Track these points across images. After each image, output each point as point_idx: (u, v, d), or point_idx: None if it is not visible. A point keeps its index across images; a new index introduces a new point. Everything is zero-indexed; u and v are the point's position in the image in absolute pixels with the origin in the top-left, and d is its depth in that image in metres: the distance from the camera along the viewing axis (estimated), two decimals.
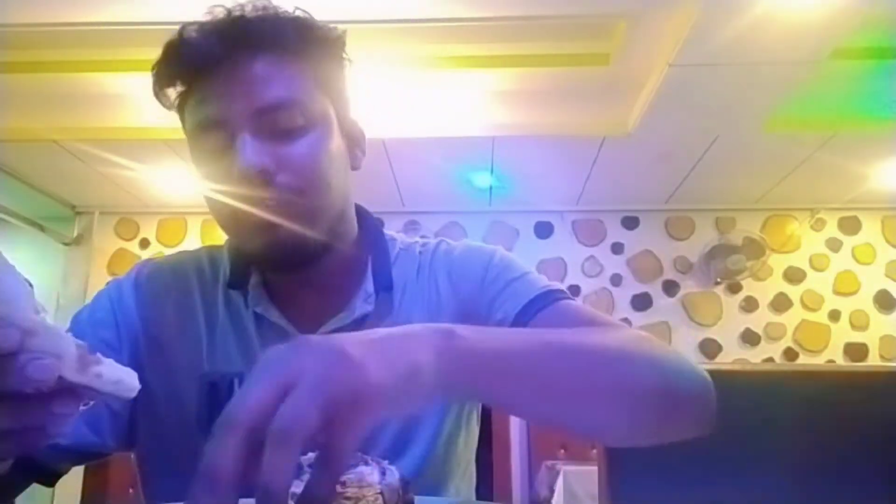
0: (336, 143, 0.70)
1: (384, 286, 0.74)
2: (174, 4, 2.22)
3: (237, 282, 0.73)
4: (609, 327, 0.63)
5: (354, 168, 0.75)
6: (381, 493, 0.40)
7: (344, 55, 0.73)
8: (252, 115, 0.64)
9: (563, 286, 0.74)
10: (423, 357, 0.41)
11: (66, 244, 3.99)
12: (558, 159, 3.40)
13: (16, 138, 3.11)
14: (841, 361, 3.85)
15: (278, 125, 0.64)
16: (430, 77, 2.65)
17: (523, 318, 0.68)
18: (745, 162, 3.39)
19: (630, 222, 4.10)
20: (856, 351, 3.88)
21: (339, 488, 0.39)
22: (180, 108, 0.70)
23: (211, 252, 0.79)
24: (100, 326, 0.71)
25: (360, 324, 0.71)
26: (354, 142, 0.75)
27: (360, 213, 0.79)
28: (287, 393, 0.34)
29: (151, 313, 0.73)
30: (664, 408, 0.56)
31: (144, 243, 4.06)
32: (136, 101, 2.83)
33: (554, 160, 3.41)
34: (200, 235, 3.99)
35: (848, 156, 3.24)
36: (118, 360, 0.69)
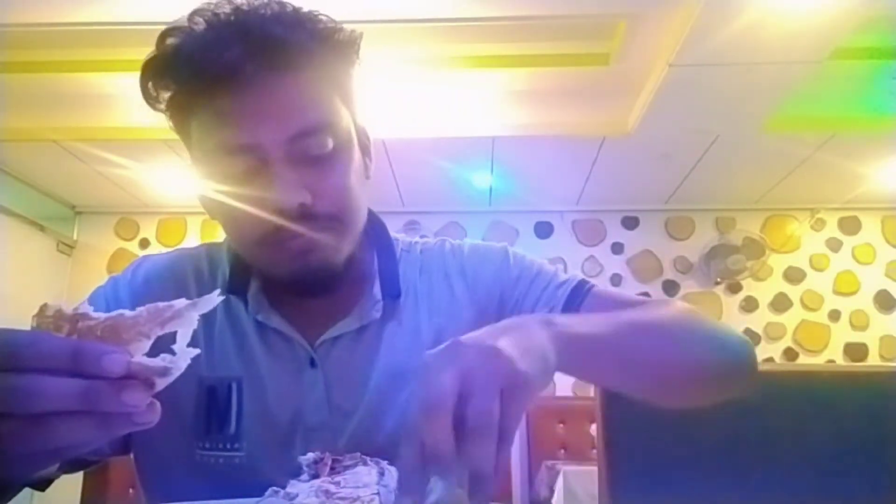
0: (357, 158, 0.68)
1: (392, 293, 0.73)
2: (174, 4, 2.22)
3: (237, 288, 0.71)
4: (661, 304, 0.70)
5: (367, 178, 0.73)
6: (378, 493, 0.40)
7: (356, 56, 0.69)
8: (285, 141, 0.60)
9: (579, 276, 0.78)
10: (544, 344, 0.47)
11: (65, 244, 3.99)
12: (558, 159, 3.40)
13: (16, 138, 3.11)
14: (841, 361, 3.85)
15: (310, 150, 0.62)
16: (430, 77, 2.65)
17: (570, 307, 0.72)
18: (745, 162, 3.39)
19: (630, 222, 4.10)
20: (856, 351, 3.88)
21: (332, 489, 0.39)
22: (181, 115, 0.64)
23: (210, 251, 0.77)
24: None
25: (365, 330, 0.71)
26: (365, 150, 0.73)
27: (370, 220, 0.77)
28: (462, 389, 0.39)
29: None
30: (721, 372, 0.66)
31: (144, 243, 4.06)
32: (136, 101, 2.80)
33: (554, 160, 3.41)
34: (200, 235, 3.99)
35: (848, 156, 3.24)
36: None
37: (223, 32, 0.59)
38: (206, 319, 0.70)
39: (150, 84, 0.63)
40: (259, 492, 0.65)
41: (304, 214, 0.61)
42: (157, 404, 0.38)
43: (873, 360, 3.84)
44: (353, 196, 0.66)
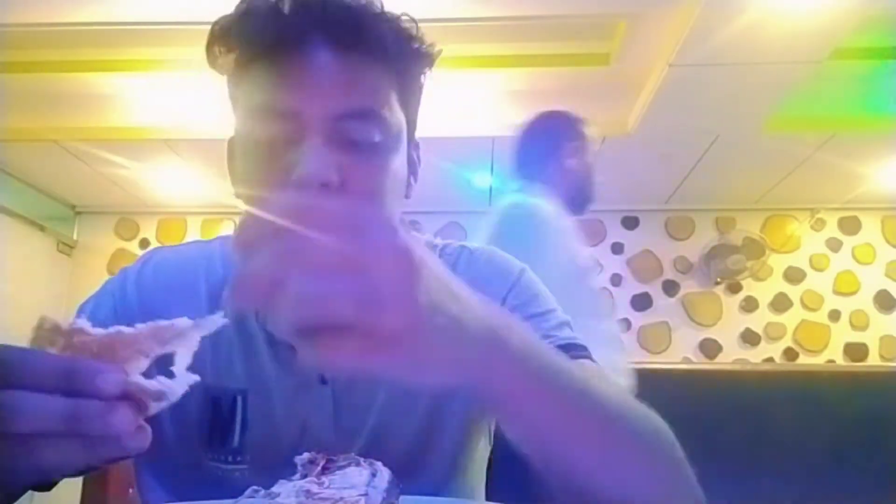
0: (401, 167, 0.64)
1: None
2: (174, 4, 2.22)
3: None
4: (648, 412, 0.57)
5: (406, 197, 0.68)
6: (366, 494, 0.39)
7: (428, 74, 0.67)
8: (329, 118, 0.57)
9: (583, 341, 0.68)
10: (502, 340, 0.40)
11: (65, 244, 3.99)
12: None
13: (16, 138, 3.12)
14: (841, 361, 3.85)
15: (352, 135, 0.58)
16: (430, 77, 2.65)
17: None
18: (745, 162, 3.39)
19: (630, 222, 4.10)
20: (856, 351, 3.88)
21: (315, 489, 0.38)
22: (237, 76, 0.61)
23: (221, 251, 0.73)
24: (101, 324, 0.68)
25: None
26: (413, 168, 0.69)
27: None
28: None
29: (153, 307, 0.67)
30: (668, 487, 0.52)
31: (144, 243, 4.06)
32: (136, 101, 2.83)
33: None
34: (201, 235, 3.99)
35: (848, 156, 3.24)
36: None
37: (302, 5, 0.57)
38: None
39: (216, 44, 0.60)
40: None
41: (324, 199, 0.58)
42: (148, 430, 0.37)
43: (873, 360, 3.84)
44: (383, 198, 0.60)
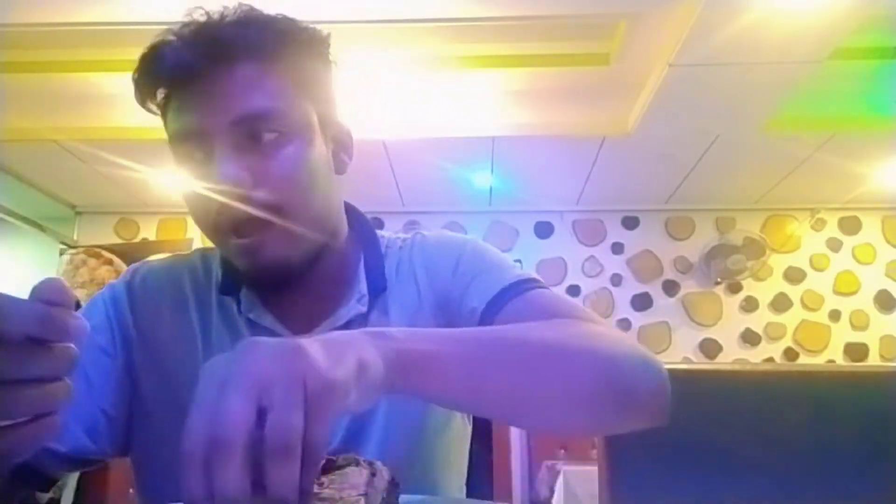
0: (318, 151, 0.68)
1: (378, 287, 0.73)
2: (174, 4, 2.22)
3: (229, 288, 0.72)
4: (565, 321, 0.62)
5: (339, 173, 0.73)
6: (365, 494, 0.39)
7: (330, 56, 0.71)
8: (229, 125, 0.62)
9: (536, 275, 0.72)
10: (367, 355, 0.43)
11: (65, 244, 3.99)
12: (558, 159, 3.40)
13: (16, 138, 3.12)
14: (841, 361, 3.85)
15: (257, 136, 0.63)
16: (430, 77, 2.65)
17: (492, 309, 0.67)
18: (745, 162, 3.39)
19: (630, 222, 4.10)
20: (856, 351, 3.88)
21: (315, 489, 0.38)
22: (163, 114, 0.69)
23: (204, 255, 0.78)
24: (95, 332, 0.69)
25: (353, 324, 0.71)
26: (341, 146, 0.73)
27: (351, 212, 0.78)
28: (261, 399, 0.34)
29: (146, 316, 0.72)
30: (607, 401, 0.56)
31: (144, 243, 4.06)
32: (136, 100, 2.83)
33: (554, 160, 3.41)
34: (200, 235, 3.98)
35: (848, 156, 3.24)
36: (114, 366, 0.68)
37: (185, 37, 0.63)
38: (203, 321, 0.71)
39: (136, 90, 0.67)
40: None
41: (244, 198, 0.62)
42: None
43: (873, 360, 3.84)
44: (300, 187, 0.65)
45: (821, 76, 2.54)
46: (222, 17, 0.65)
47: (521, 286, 0.68)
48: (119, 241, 4.05)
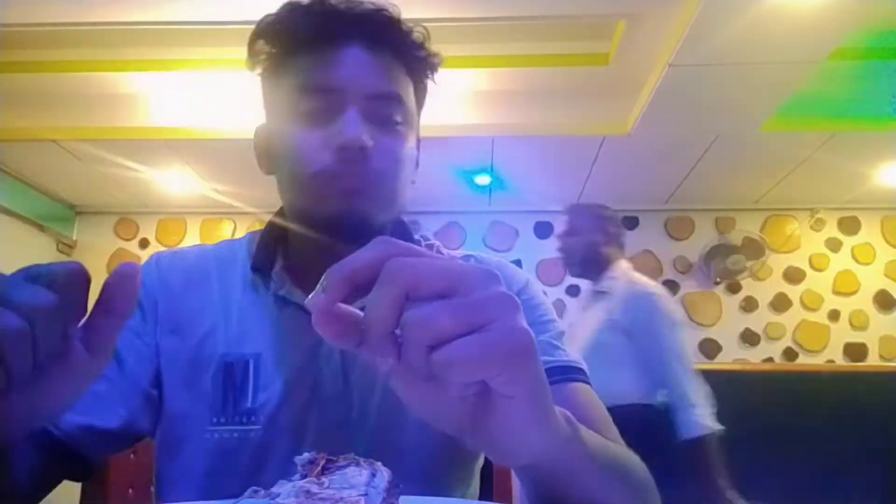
0: (413, 149, 0.76)
1: None
2: (174, 5, 2.22)
3: (262, 266, 0.74)
4: (631, 455, 0.61)
5: (412, 182, 0.78)
6: (366, 494, 0.39)
7: (434, 81, 0.79)
8: (363, 96, 0.68)
9: (582, 364, 0.72)
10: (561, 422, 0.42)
11: (65, 244, 3.99)
12: (558, 159, 3.40)
13: (16, 138, 3.12)
14: (841, 361, 3.85)
15: (380, 114, 0.69)
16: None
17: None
18: (745, 162, 3.39)
19: (630, 222, 4.10)
20: (855, 351, 3.88)
21: (315, 489, 0.39)
22: (270, 70, 0.73)
23: (229, 242, 0.82)
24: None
25: None
26: (418, 157, 0.81)
27: (398, 221, 0.81)
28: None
29: (170, 296, 0.74)
30: None
31: (144, 243, 4.06)
32: (136, 100, 2.84)
33: (554, 160, 3.41)
34: (200, 235, 3.99)
35: (848, 156, 3.24)
36: (144, 345, 0.71)
37: (343, 11, 0.69)
38: (225, 300, 0.74)
39: (260, 39, 0.71)
40: (271, 465, 0.67)
41: (362, 159, 0.67)
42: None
43: (873, 360, 3.84)
44: (401, 167, 0.71)
45: (821, 76, 2.54)
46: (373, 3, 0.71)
47: (571, 372, 0.70)
48: (119, 241, 4.06)
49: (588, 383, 0.71)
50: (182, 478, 0.69)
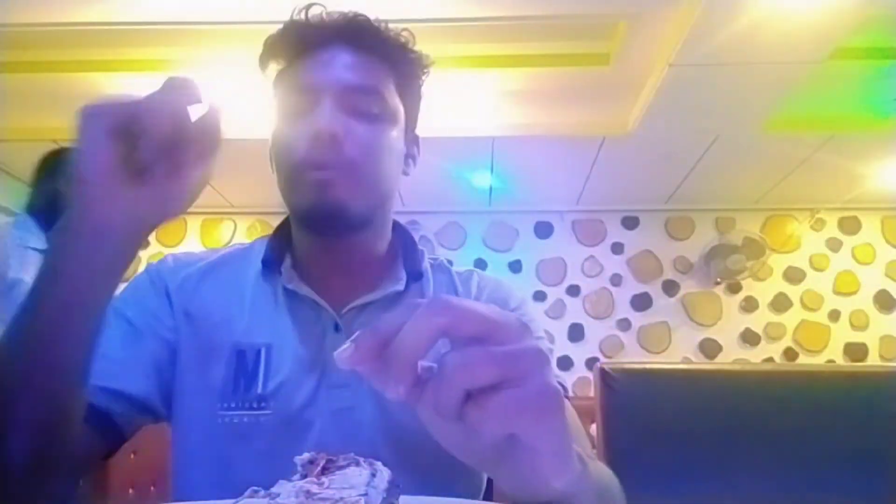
0: (397, 141, 0.78)
1: (414, 273, 0.80)
2: (174, 5, 2.22)
3: (272, 261, 0.79)
4: (612, 476, 0.63)
5: (404, 174, 0.84)
6: (366, 494, 0.39)
7: (423, 80, 0.83)
8: (339, 90, 0.73)
9: (564, 380, 0.77)
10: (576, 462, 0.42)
11: None
12: (558, 159, 3.40)
13: (16, 138, 3.12)
14: (841, 361, 3.85)
15: (357, 107, 0.73)
16: (430, 77, 2.65)
17: None
18: (745, 162, 3.39)
19: (630, 222, 4.10)
20: (856, 351, 3.89)
21: (315, 489, 0.39)
22: (277, 81, 0.79)
23: (242, 244, 0.87)
24: (146, 298, 0.76)
25: (392, 300, 0.77)
26: (410, 152, 0.84)
27: (395, 223, 0.86)
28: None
29: (186, 287, 0.78)
30: None
31: (143, 243, 4.06)
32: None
33: (554, 160, 3.41)
34: (200, 235, 3.99)
35: (848, 156, 3.25)
36: (162, 327, 0.74)
37: (318, 20, 0.77)
38: (240, 291, 0.78)
39: (267, 55, 0.79)
40: (280, 451, 0.67)
41: (334, 148, 0.70)
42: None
43: (873, 360, 3.84)
44: (379, 157, 0.74)
45: (821, 76, 2.54)
46: (354, 14, 0.78)
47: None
48: None
49: (567, 398, 0.72)
50: (195, 462, 0.72)
